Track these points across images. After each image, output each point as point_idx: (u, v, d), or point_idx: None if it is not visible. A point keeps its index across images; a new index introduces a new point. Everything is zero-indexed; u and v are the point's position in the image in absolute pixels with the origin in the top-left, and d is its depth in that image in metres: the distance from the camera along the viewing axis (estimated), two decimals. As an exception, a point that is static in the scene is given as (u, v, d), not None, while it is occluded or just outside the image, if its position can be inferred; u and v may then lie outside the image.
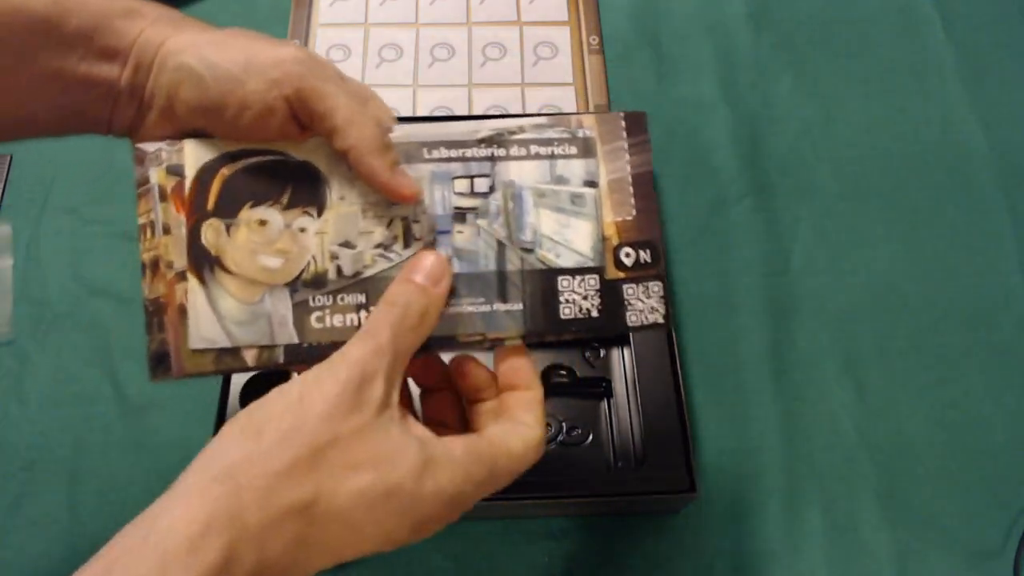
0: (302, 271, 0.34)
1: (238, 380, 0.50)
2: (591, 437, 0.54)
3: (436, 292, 0.33)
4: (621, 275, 0.36)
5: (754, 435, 0.56)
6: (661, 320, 0.36)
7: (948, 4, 0.77)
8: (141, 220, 0.35)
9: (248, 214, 0.34)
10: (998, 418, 0.57)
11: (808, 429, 0.56)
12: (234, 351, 0.34)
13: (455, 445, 0.32)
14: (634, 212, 0.37)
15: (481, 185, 0.36)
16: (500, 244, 0.36)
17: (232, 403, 0.49)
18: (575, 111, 0.39)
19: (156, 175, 0.35)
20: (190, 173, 0.34)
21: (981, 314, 0.61)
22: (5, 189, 0.66)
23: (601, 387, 0.55)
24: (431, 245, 0.35)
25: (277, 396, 0.30)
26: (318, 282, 0.34)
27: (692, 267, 0.63)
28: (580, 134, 0.37)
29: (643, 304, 0.36)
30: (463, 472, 0.32)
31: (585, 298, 0.36)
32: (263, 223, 0.34)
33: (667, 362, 0.52)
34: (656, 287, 0.36)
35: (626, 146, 0.37)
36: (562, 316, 0.35)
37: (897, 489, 0.55)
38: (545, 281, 0.36)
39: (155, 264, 0.34)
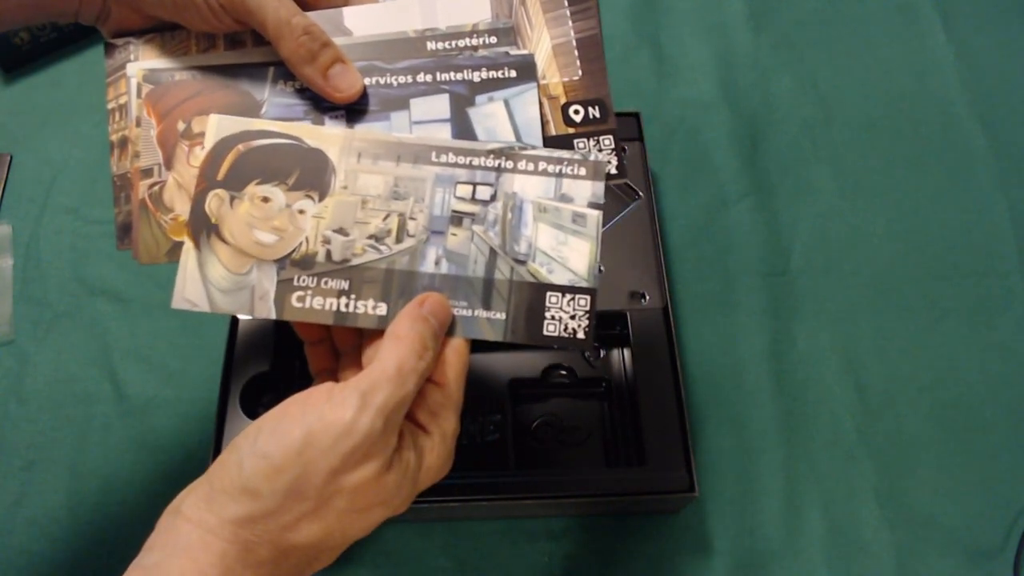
0: (293, 250, 0.35)
1: (238, 379, 0.50)
2: (591, 437, 0.54)
3: (443, 337, 0.34)
4: (571, 130, 0.38)
5: (754, 435, 0.56)
6: (614, 171, 0.38)
7: (948, 4, 0.77)
8: (110, 105, 0.38)
9: (253, 189, 0.35)
10: (998, 418, 0.57)
11: (808, 429, 0.56)
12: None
13: (426, 420, 0.32)
14: (580, 72, 0.39)
15: (483, 193, 0.36)
16: (492, 252, 0.36)
17: (232, 403, 0.49)
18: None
19: (136, 73, 0.38)
20: (208, 144, 0.36)
21: (981, 314, 0.61)
22: (5, 189, 0.66)
23: (601, 387, 0.55)
24: (423, 243, 0.36)
25: (275, 437, 0.29)
26: (306, 263, 0.35)
27: (692, 267, 0.63)
28: (591, 157, 0.37)
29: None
30: (441, 443, 0.33)
31: (573, 318, 0.35)
32: (266, 199, 0.35)
33: (667, 362, 0.52)
34: (607, 140, 0.38)
35: (568, 12, 0.39)
36: (545, 332, 0.35)
37: (897, 489, 0.55)
38: (533, 294, 0.36)
39: (123, 143, 0.37)
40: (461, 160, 0.36)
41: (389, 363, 0.31)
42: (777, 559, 0.52)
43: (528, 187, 0.36)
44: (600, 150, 0.38)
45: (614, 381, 0.55)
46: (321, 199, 0.36)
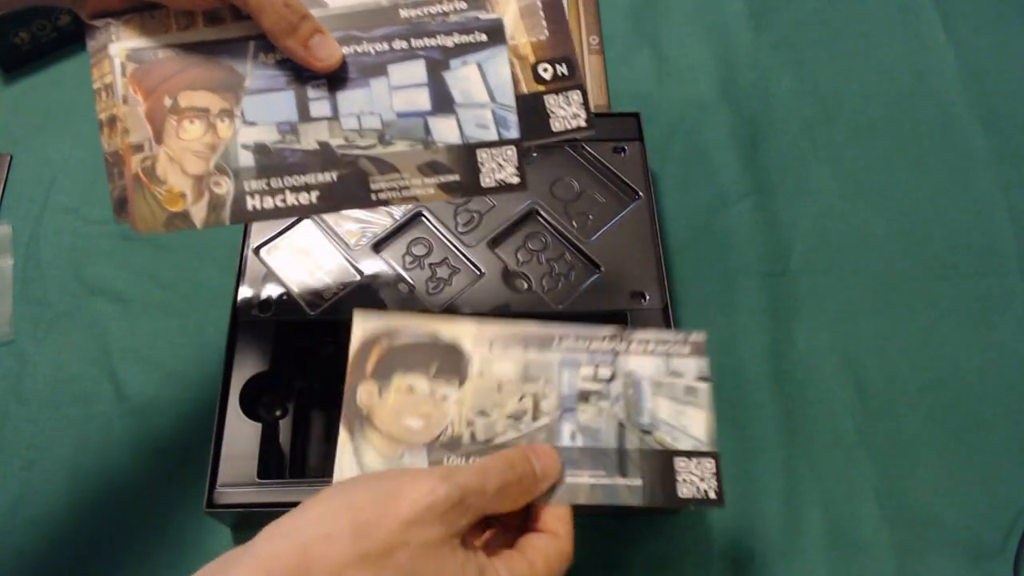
0: (440, 434, 0.38)
1: (238, 379, 0.50)
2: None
3: (542, 486, 0.36)
4: (541, 88, 0.40)
5: (754, 435, 0.56)
6: (583, 124, 0.40)
7: (948, 4, 0.77)
8: (96, 85, 0.39)
9: (400, 380, 0.38)
10: (998, 418, 0.57)
11: (808, 429, 0.56)
12: (183, 214, 0.38)
13: (501, 567, 0.33)
14: (547, 33, 0.41)
15: (604, 373, 0.40)
16: (620, 425, 0.39)
17: (232, 403, 0.49)
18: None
19: (119, 53, 0.39)
20: (355, 344, 0.39)
21: (981, 314, 0.61)
22: (5, 189, 0.66)
23: (601, 387, 0.55)
24: (557, 420, 0.39)
25: (364, 485, 0.32)
26: (453, 444, 0.37)
27: (692, 267, 0.63)
28: (692, 338, 0.41)
29: (564, 111, 0.40)
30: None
31: (703, 480, 0.38)
32: (411, 389, 0.38)
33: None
34: (576, 95, 0.40)
35: None
36: (680, 495, 0.38)
37: (897, 489, 0.55)
38: (663, 461, 0.38)
39: (112, 121, 0.39)
40: (581, 344, 0.40)
41: (476, 463, 0.34)
42: (777, 559, 0.52)
43: (643, 365, 0.40)
44: (569, 104, 0.40)
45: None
46: (461, 385, 0.39)
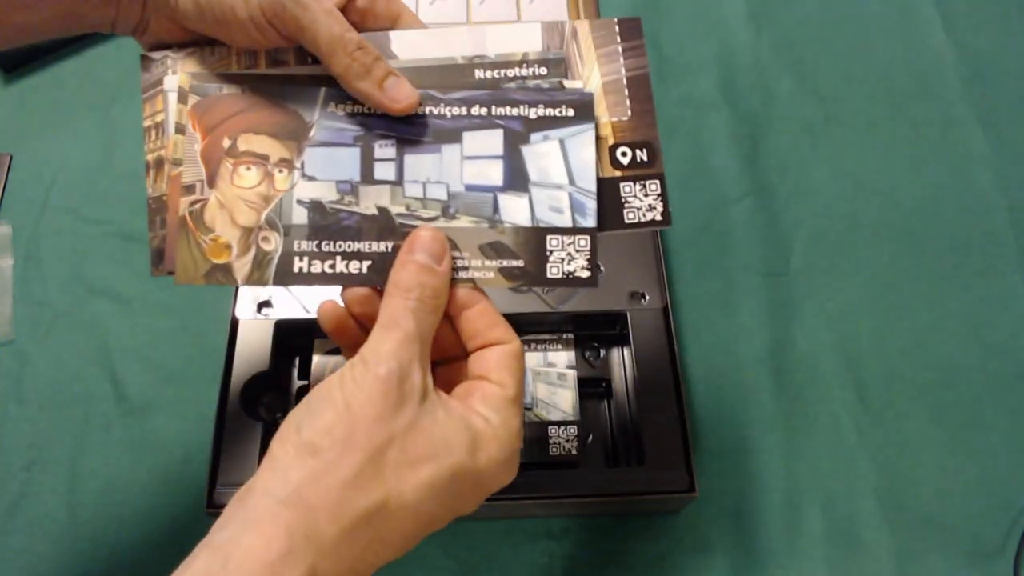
0: None
1: (238, 379, 0.50)
2: (591, 437, 0.54)
3: (443, 270, 0.34)
4: (618, 173, 0.37)
5: (754, 435, 0.56)
6: (659, 217, 0.36)
7: (948, 4, 0.77)
8: (146, 123, 0.37)
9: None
10: (998, 418, 0.57)
11: (808, 429, 0.56)
12: (225, 268, 0.35)
13: (487, 413, 0.33)
14: (629, 113, 0.37)
15: None
16: None
17: (232, 403, 0.49)
18: (567, 20, 0.39)
19: (182, 79, 0.37)
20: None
21: (981, 314, 0.61)
22: (5, 189, 0.66)
23: (601, 387, 0.55)
24: None
25: (322, 404, 0.31)
26: None
27: (692, 267, 0.63)
28: (565, 336, 0.54)
29: (640, 202, 0.37)
30: (505, 434, 0.33)
31: (568, 441, 0.51)
32: None
33: (667, 362, 0.51)
34: (654, 185, 0.37)
35: (620, 50, 0.38)
36: (550, 453, 0.50)
37: (897, 489, 0.55)
38: (540, 431, 0.51)
39: (159, 164, 0.37)
40: None
41: (382, 316, 0.32)
42: (777, 559, 0.52)
43: (527, 359, 0.52)
44: (646, 195, 0.37)
45: (614, 381, 0.55)
46: None
